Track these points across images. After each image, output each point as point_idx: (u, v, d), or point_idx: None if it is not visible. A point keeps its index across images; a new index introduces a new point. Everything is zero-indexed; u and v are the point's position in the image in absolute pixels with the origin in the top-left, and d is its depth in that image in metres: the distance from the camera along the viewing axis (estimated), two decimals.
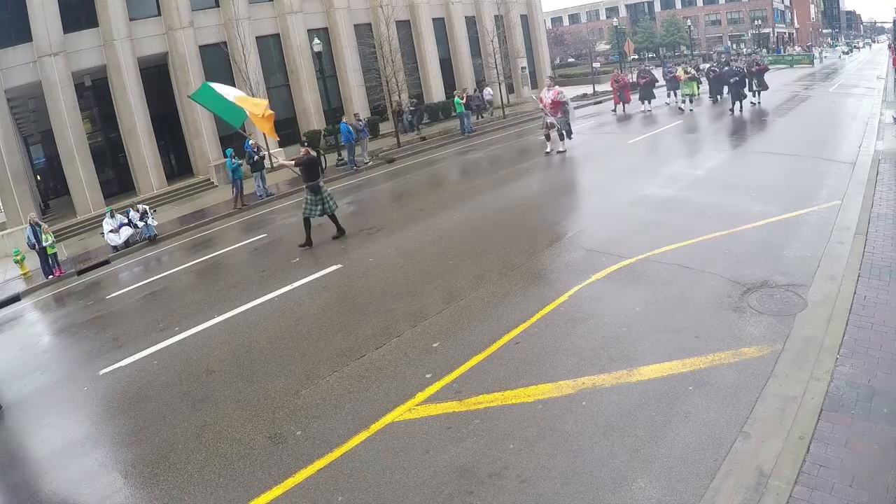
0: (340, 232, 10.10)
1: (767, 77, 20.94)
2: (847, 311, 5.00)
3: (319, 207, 9.80)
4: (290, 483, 4.00)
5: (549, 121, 15.01)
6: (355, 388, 5.07)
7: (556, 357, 5.04)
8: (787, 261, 6.29)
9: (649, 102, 21.93)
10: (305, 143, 10.27)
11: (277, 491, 3.95)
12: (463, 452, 4.01)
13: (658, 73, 26.25)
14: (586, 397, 4.39)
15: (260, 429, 4.74)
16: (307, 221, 9.83)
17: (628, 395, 4.33)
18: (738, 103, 18.86)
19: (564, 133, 14.90)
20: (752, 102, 19.86)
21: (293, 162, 10.26)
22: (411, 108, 26.11)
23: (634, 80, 25.26)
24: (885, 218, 7.20)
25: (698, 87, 22.52)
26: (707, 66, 26.35)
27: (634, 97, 23.01)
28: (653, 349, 4.90)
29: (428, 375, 5.04)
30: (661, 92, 23.59)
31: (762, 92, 20.20)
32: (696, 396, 4.21)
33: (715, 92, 21.91)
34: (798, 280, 5.79)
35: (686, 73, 21.60)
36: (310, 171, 9.82)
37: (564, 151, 14.81)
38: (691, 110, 20.39)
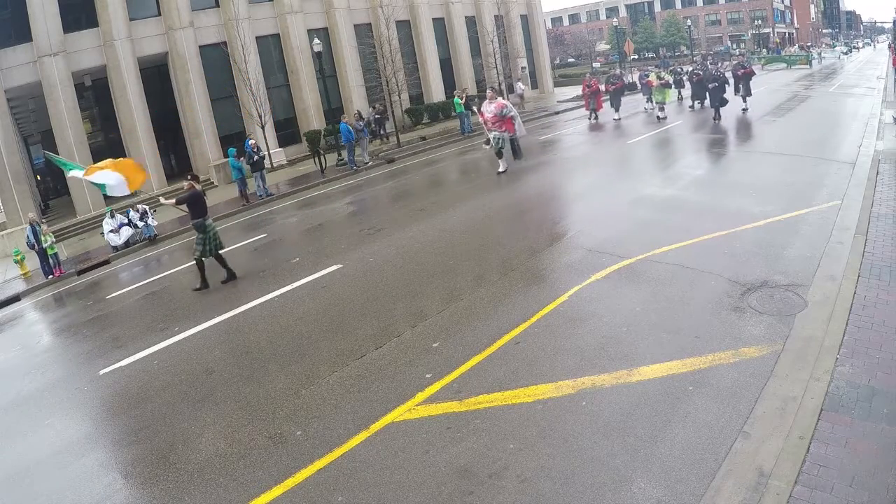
0: (230, 276, 8.94)
1: (756, 81, 19.51)
2: (847, 311, 5.00)
3: (209, 247, 8.77)
4: (290, 483, 4.00)
5: (490, 136, 13.13)
6: (355, 388, 5.07)
7: (556, 357, 5.04)
8: (787, 261, 6.29)
9: (617, 111, 20.44)
10: (189, 178, 9.02)
11: (277, 491, 3.95)
12: (463, 452, 4.01)
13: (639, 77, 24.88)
14: (586, 397, 4.39)
15: (260, 429, 4.74)
16: (200, 263, 8.84)
17: (628, 395, 4.33)
18: (718, 110, 17.38)
19: (513, 151, 13.26)
20: (743, 109, 18.37)
21: (174, 200, 8.99)
22: (376, 116, 23.26)
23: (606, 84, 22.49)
24: (885, 218, 7.20)
25: (675, 94, 21.04)
26: (690, 68, 24.50)
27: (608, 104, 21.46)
28: (653, 349, 4.90)
29: (428, 375, 5.04)
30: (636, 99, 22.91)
31: (748, 98, 18.60)
32: (696, 396, 4.21)
33: (697, 97, 20.55)
34: (798, 280, 5.79)
35: (659, 78, 20.00)
36: (195, 208, 8.76)
37: (505, 171, 13.08)
38: (660, 118, 18.84)
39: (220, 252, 8.96)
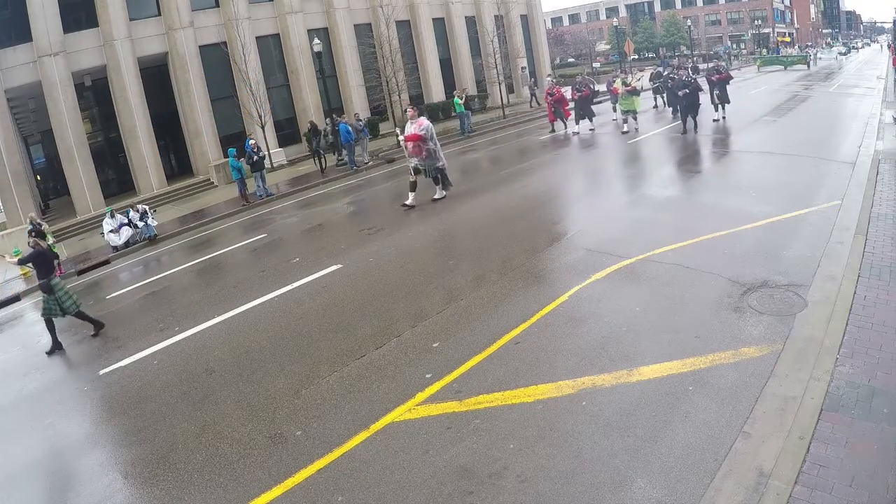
0: (98, 327, 8.08)
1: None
2: (847, 311, 5.00)
3: (58, 307, 7.83)
4: (290, 483, 4.00)
5: (411, 164, 11.47)
6: (355, 388, 5.07)
7: (556, 357, 5.04)
8: (787, 261, 6.29)
9: (591, 120, 18.04)
10: (33, 234, 8.06)
11: (277, 491, 3.95)
12: (463, 452, 4.01)
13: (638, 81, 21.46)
14: (586, 397, 4.39)
15: (260, 429, 4.74)
16: (49, 323, 7.87)
17: (628, 395, 4.33)
18: (690, 119, 15.45)
19: (439, 178, 11.44)
20: (714, 119, 16.80)
21: (16, 260, 8.03)
22: (336, 128, 19.70)
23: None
24: (885, 218, 7.21)
25: (642, 102, 18.18)
26: (666, 72, 22.14)
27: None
28: (653, 349, 4.90)
29: (428, 375, 5.04)
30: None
31: (725, 106, 17.07)
32: (696, 396, 4.21)
33: (673, 104, 18.09)
34: (798, 280, 5.79)
35: (625, 84, 17.21)
36: (40, 267, 7.90)
37: (413, 207, 11.28)
38: (625, 132, 16.67)
39: (77, 310, 8.03)
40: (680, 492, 3.38)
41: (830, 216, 7.51)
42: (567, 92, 19.56)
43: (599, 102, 21.28)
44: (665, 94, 19.27)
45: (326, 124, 21.12)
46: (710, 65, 19.75)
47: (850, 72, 38.26)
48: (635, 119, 17.23)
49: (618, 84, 17.84)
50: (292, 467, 4.16)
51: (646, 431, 3.92)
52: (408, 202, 11.39)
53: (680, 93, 15.65)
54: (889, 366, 4.18)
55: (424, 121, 11.37)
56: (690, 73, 18.32)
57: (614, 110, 19.32)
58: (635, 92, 17.24)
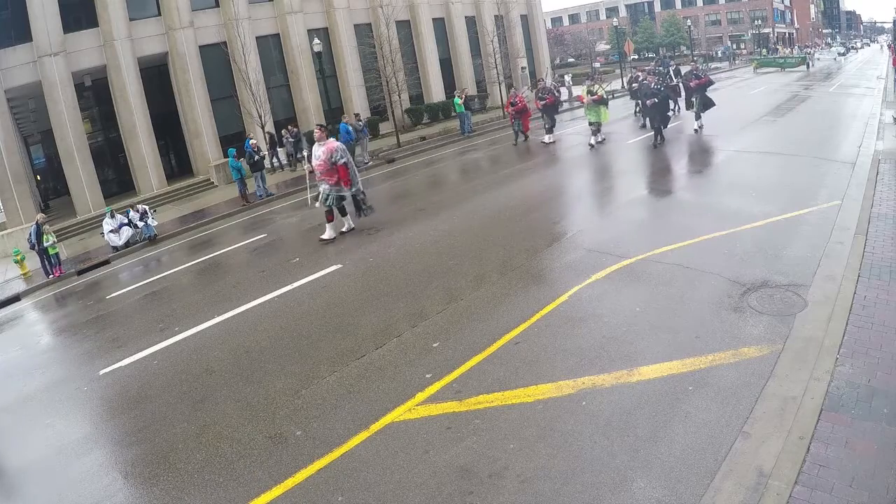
0: None
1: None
2: (847, 311, 5.00)
3: None
4: (290, 483, 4.00)
5: (322, 188, 10.07)
6: (355, 388, 5.07)
7: (556, 357, 5.04)
8: (787, 261, 6.29)
9: (551, 131, 16.84)
10: None
11: (277, 491, 3.95)
12: (463, 452, 4.01)
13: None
14: (586, 397, 4.39)
15: (260, 429, 4.74)
16: None
17: (628, 395, 4.33)
18: (659, 133, 14.01)
19: (356, 207, 10.26)
20: (694, 129, 15.33)
21: None
22: (291, 139, 19.66)
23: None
24: (885, 218, 7.21)
25: (610, 112, 16.67)
26: (640, 76, 19.71)
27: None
28: (653, 349, 4.90)
29: (428, 375, 5.05)
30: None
31: (704, 112, 15.46)
32: (696, 396, 4.21)
33: (646, 114, 16.23)
34: (798, 280, 5.79)
35: (590, 93, 15.12)
36: None
37: (332, 240, 10.00)
38: (592, 145, 14.98)
39: None
40: (680, 492, 3.38)
41: (830, 216, 7.51)
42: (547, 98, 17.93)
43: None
44: (641, 102, 17.46)
45: (283, 134, 21.19)
46: (687, 68, 17.84)
47: (849, 72, 38.24)
48: (598, 131, 15.30)
49: (583, 92, 15.98)
50: (292, 467, 4.16)
51: (646, 431, 3.92)
52: (325, 236, 10.12)
53: (648, 102, 14.20)
54: (889, 366, 4.19)
55: (334, 142, 10.09)
56: (673, 76, 17.00)
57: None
58: (602, 101, 15.32)
